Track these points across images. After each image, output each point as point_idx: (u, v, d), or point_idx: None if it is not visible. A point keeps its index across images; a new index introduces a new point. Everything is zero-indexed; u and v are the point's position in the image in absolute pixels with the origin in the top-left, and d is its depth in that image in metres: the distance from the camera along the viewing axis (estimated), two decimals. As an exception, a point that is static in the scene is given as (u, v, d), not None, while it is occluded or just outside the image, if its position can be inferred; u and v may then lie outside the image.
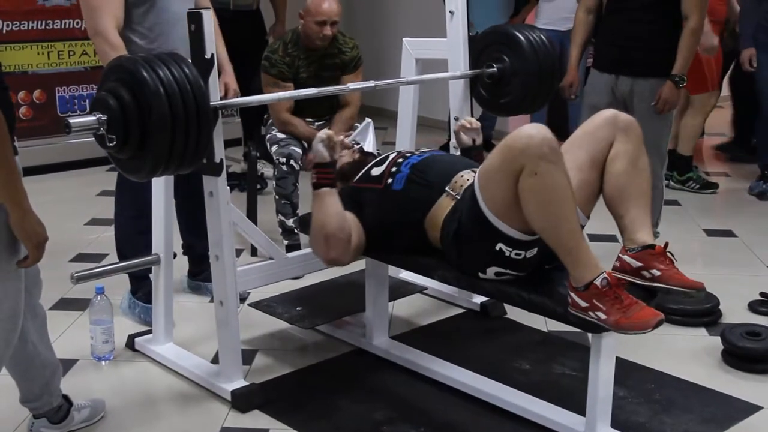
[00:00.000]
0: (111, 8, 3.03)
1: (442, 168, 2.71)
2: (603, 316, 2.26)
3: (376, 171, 2.81)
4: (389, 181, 2.73)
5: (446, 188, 2.63)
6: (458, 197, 2.59)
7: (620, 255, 2.49)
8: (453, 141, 3.35)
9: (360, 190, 2.80)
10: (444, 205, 2.61)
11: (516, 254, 2.44)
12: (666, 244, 2.47)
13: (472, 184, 2.53)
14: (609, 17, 3.81)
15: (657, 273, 2.42)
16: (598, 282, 2.26)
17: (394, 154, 2.86)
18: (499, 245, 2.43)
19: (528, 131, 2.30)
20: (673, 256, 2.47)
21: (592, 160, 2.54)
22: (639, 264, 2.44)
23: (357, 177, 2.86)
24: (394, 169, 2.75)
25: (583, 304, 2.29)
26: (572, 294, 2.32)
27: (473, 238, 2.50)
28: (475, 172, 2.64)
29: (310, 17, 3.91)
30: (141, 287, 3.44)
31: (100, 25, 3.03)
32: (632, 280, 2.41)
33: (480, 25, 5.47)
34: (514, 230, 2.40)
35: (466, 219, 2.50)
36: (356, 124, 4.13)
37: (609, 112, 2.60)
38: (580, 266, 2.30)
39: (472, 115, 3.44)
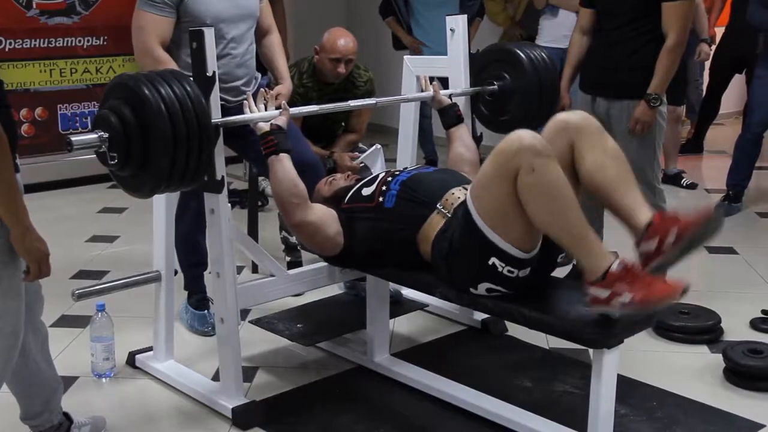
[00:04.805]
0: (156, 29, 3.11)
1: (433, 185, 2.72)
2: (628, 298, 2.23)
3: (366, 191, 2.82)
4: (380, 199, 2.75)
5: (437, 205, 2.64)
6: (449, 215, 2.59)
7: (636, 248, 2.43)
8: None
9: (352, 210, 2.81)
10: (435, 222, 2.62)
11: (509, 271, 2.43)
12: (661, 212, 2.42)
13: (463, 202, 2.53)
14: (593, 38, 3.76)
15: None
16: (614, 267, 2.25)
17: (382, 174, 2.88)
18: (492, 260, 2.42)
19: (517, 134, 2.32)
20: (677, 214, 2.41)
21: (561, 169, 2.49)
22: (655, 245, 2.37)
23: (347, 197, 2.87)
24: (384, 187, 2.77)
25: (605, 294, 2.27)
26: (591, 289, 2.30)
27: (466, 252, 2.49)
28: (466, 189, 2.65)
29: (324, 53, 3.91)
30: (193, 291, 3.50)
31: (146, 43, 3.12)
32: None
33: (434, 44, 5.52)
34: (508, 244, 2.39)
35: (458, 235, 2.49)
36: (362, 146, 4.16)
37: (558, 119, 2.54)
38: (593, 255, 2.29)
39: (473, 132, 3.45)
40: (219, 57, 3.17)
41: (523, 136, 2.31)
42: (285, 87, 3.35)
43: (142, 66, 3.15)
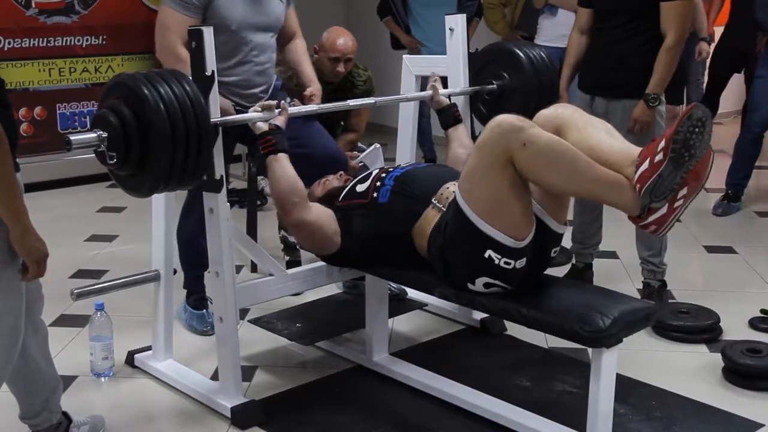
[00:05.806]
0: (181, 29, 3.09)
1: (427, 179, 2.72)
2: (685, 192, 2.28)
3: (360, 187, 2.82)
4: (374, 195, 2.74)
5: (432, 200, 2.64)
6: (444, 209, 2.59)
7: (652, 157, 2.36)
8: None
9: (347, 207, 2.81)
10: (430, 217, 2.61)
11: (506, 263, 2.43)
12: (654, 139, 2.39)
13: (454, 198, 2.52)
14: (592, 38, 3.75)
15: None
16: (643, 173, 2.26)
17: (376, 170, 2.88)
18: (489, 252, 2.42)
19: (494, 121, 2.34)
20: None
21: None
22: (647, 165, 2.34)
23: (342, 195, 2.87)
24: (378, 183, 2.77)
25: (664, 209, 2.29)
26: (650, 219, 2.32)
27: (461, 246, 2.49)
28: None
29: (324, 53, 3.93)
30: (192, 290, 3.52)
31: (169, 42, 3.13)
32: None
33: (432, 43, 5.53)
34: (502, 234, 2.39)
35: (451, 231, 2.49)
36: (361, 146, 4.16)
37: (540, 115, 2.52)
38: (627, 187, 2.30)
39: (472, 132, 3.45)
40: (241, 63, 3.22)
41: (499, 120, 2.33)
42: (316, 88, 3.39)
43: (164, 63, 3.17)
